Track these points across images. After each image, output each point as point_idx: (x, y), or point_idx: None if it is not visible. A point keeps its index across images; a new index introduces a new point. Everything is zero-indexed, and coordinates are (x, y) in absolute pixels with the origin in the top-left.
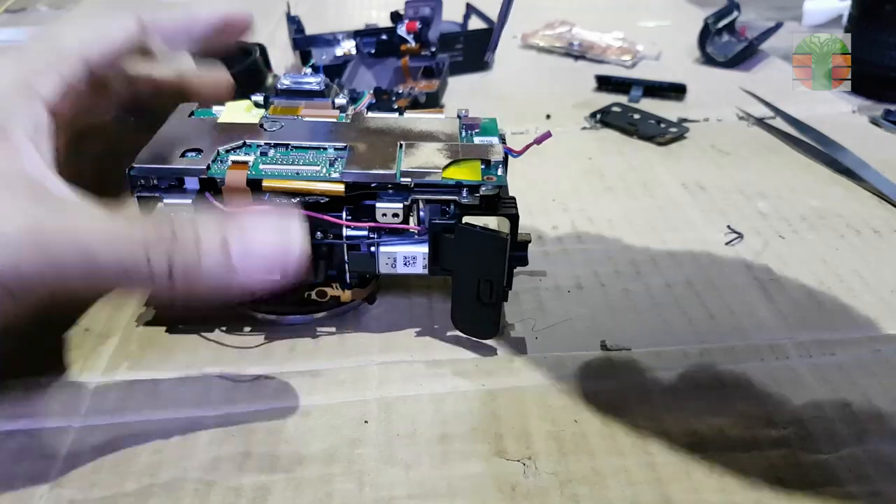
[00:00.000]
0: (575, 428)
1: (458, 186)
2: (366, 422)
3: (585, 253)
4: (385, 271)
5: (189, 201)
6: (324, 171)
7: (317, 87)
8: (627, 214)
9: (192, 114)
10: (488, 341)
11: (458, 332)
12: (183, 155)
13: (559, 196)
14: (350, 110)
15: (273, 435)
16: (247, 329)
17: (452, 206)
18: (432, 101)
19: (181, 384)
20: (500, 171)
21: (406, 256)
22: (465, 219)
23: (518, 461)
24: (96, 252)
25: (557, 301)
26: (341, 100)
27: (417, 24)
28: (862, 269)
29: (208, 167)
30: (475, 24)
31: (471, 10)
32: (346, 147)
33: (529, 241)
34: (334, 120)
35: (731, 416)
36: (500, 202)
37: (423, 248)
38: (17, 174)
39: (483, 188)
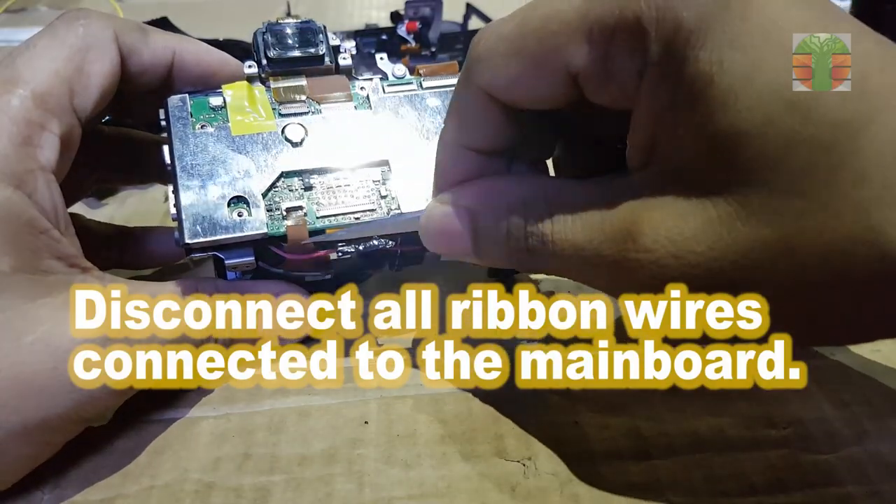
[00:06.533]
0: (575, 428)
1: None
2: (366, 422)
3: None
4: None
5: (251, 259)
6: (379, 211)
7: (314, 52)
8: None
9: (191, 115)
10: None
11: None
12: (229, 205)
13: None
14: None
15: (273, 435)
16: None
17: None
18: None
19: None
20: None
21: None
22: None
23: (518, 461)
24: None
25: None
26: (345, 60)
27: (417, 24)
28: None
29: (267, 226)
30: (475, 24)
31: (471, 10)
32: (387, 161)
33: None
34: (353, 109)
35: (731, 416)
36: None
37: None
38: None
39: None
